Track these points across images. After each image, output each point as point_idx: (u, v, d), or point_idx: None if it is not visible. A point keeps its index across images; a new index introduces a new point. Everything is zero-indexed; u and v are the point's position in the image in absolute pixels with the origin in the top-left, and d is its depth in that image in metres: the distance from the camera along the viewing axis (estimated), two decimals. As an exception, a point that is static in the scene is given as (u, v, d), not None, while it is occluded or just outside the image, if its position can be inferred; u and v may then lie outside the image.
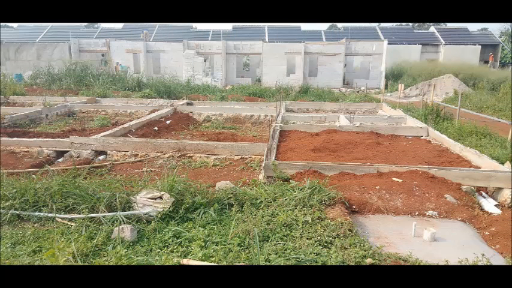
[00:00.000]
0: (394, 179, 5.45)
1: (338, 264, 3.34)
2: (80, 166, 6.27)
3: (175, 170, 5.65)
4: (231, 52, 28.51)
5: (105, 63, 27.01)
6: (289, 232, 3.95)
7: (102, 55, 28.88)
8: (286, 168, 5.79)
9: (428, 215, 4.75)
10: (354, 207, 4.87)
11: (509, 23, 39.12)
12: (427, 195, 5.05)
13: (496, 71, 27.34)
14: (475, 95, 18.35)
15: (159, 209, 4.26)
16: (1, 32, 31.74)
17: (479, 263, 3.46)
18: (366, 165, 5.87)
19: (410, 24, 43.47)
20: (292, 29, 36.90)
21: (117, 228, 3.84)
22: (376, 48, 27.68)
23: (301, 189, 4.84)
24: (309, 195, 4.69)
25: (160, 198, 4.39)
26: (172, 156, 7.19)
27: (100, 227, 4.07)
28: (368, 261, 3.44)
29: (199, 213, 4.38)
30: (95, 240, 3.73)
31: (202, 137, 9.60)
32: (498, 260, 3.74)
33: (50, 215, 4.30)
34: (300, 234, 3.88)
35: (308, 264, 3.35)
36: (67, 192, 4.57)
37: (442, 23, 40.31)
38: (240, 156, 7.14)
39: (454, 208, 4.82)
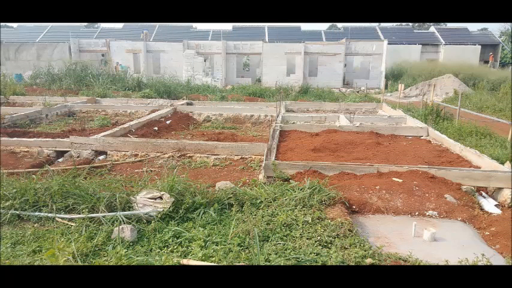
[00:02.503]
0: (394, 179, 5.45)
1: (338, 264, 3.34)
2: (80, 166, 6.27)
3: (175, 170, 5.65)
4: (231, 52, 28.52)
5: (105, 63, 27.00)
6: (289, 232, 3.95)
7: (102, 55, 28.88)
8: (286, 168, 5.79)
9: (428, 215, 4.75)
10: (354, 207, 4.87)
11: (509, 23, 39.13)
12: (427, 195, 5.05)
13: (496, 71, 27.32)
14: (475, 95, 18.35)
15: (159, 209, 4.26)
16: (1, 32, 31.73)
17: (479, 263, 3.46)
18: (366, 165, 5.87)
19: (410, 24, 43.46)
20: (292, 29, 36.89)
21: (117, 228, 3.84)
22: (376, 48, 27.68)
23: (301, 189, 4.84)
24: (309, 195, 4.69)
25: (160, 198, 4.39)
26: (172, 156, 7.19)
27: (100, 227, 4.07)
28: (368, 261, 3.44)
29: (199, 213, 4.38)
30: (95, 240, 3.73)
31: (202, 137, 9.59)
32: (498, 260, 3.74)
33: (50, 215, 4.30)
34: (300, 234, 3.88)
35: (308, 264, 3.35)
36: (67, 192, 4.57)
37: (442, 23, 40.31)
38: (240, 156, 7.14)
39: (454, 208, 4.82)
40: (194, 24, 38.87)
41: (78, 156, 7.19)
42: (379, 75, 27.56)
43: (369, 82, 27.30)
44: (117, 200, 4.35)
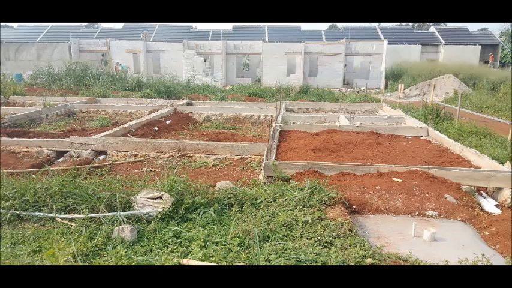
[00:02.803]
0: (394, 179, 5.45)
1: (338, 264, 3.34)
2: (80, 166, 6.26)
3: (175, 170, 5.65)
4: (231, 52, 28.52)
5: (105, 63, 27.00)
6: (289, 232, 3.95)
7: (102, 55, 28.88)
8: (286, 168, 5.79)
9: (428, 215, 4.75)
10: (354, 207, 4.87)
11: (509, 23, 39.13)
12: (427, 195, 5.05)
13: (496, 71, 27.32)
14: (475, 95, 18.35)
15: (159, 209, 4.26)
16: (1, 32, 31.72)
17: (479, 263, 3.46)
18: (366, 165, 5.87)
19: (410, 24, 43.46)
20: (292, 29, 36.90)
21: (117, 228, 3.84)
22: (376, 48, 27.68)
23: (301, 189, 4.84)
24: (309, 195, 4.69)
25: (160, 198, 4.39)
26: (172, 156, 7.19)
27: (100, 227, 4.07)
28: (368, 261, 3.44)
29: (199, 213, 4.38)
30: (95, 240, 3.73)
31: (202, 137, 9.59)
32: (498, 260, 3.74)
33: (50, 215, 4.30)
34: (300, 234, 3.88)
35: (308, 264, 3.35)
36: (67, 192, 4.57)
37: (442, 23, 40.31)
38: (240, 156, 7.14)
39: (454, 208, 4.82)
40: (194, 24, 38.92)
41: (78, 156, 7.19)
42: (379, 75, 27.56)
43: (369, 82, 27.29)
44: (117, 200, 4.35)
